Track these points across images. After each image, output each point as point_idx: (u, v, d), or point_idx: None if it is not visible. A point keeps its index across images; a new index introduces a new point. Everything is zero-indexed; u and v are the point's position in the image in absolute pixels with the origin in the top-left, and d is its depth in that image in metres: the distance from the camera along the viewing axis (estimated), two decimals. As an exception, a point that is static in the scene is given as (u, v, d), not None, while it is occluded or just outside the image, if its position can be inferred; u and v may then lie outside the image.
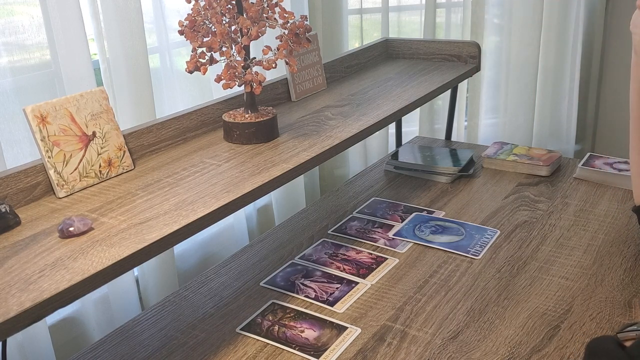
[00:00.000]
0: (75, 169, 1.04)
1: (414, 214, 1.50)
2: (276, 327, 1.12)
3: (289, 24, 1.16)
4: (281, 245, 1.41)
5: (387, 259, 1.32)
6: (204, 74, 1.17)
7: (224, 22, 1.14)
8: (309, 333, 1.09)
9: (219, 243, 1.84)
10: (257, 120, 1.22)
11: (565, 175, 1.66)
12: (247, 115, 1.23)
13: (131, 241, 0.86)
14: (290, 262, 1.33)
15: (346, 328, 1.10)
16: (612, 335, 0.79)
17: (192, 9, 1.15)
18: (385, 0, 2.21)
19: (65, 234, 0.88)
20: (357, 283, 1.24)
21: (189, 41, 1.15)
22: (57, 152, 1.02)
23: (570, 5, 2.43)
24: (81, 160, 1.05)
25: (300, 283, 1.25)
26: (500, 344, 1.04)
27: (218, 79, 1.17)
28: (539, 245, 1.33)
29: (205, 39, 1.15)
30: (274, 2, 1.16)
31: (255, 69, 1.18)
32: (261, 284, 1.26)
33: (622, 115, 2.67)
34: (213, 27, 1.14)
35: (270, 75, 1.40)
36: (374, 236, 1.41)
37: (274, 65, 1.17)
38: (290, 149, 1.18)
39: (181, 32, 1.16)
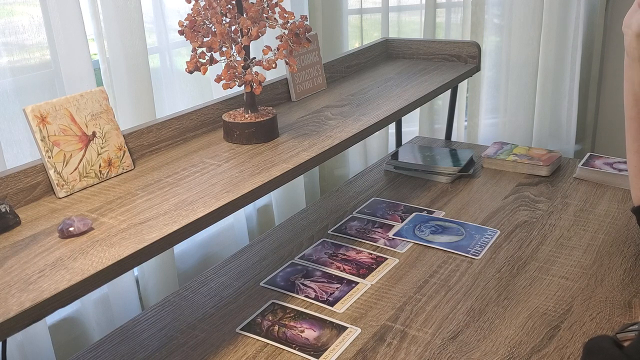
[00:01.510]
0: (75, 169, 1.04)
1: (414, 214, 1.50)
2: (276, 327, 1.12)
3: (289, 24, 1.16)
4: (281, 245, 1.41)
5: (387, 259, 1.32)
6: (204, 74, 1.17)
7: (224, 22, 1.14)
8: (309, 333, 1.09)
9: (219, 243, 1.84)
10: (257, 120, 1.22)
11: (565, 175, 1.66)
12: (247, 115, 1.23)
13: (131, 241, 0.86)
14: (290, 262, 1.33)
15: (346, 328, 1.10)
16: (609, 335, 0.79)
17: (192, 9, 1.15)
18: (385, 0, 2.21)
19: (65, 234, 0.88)
20: (357, 283, 1.24)
21: (189, 41, 1.15)
22: (57, 152, 1.02)
23: (570, 5, 2.43)
24: (81, 160, 1.05)
25: (300, 283, 1.25)
26: (500, 344, 1.04)
27: (218, 79, 1.17)
28: (539, 245, 1.33)
29: (205, 39, 1.15)
30: (274, 2, 1.16)
31: (255, 69, 1.18)
32: (261, 284, 1.26)
33: (622, 115, 2.66)
34: (213, 27, 1.14)
35: (270, 75, 1.40)
36: (374, 236, 1.41)
37: (274, 65, 1.17)
38: (290, 149, 1.18)
39: (181, 32, 1.16)
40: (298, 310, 1.16)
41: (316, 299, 1.19)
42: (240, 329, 1.12)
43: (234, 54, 1.15)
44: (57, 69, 1.36)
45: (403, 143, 2.05)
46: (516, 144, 1.82)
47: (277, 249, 1.39)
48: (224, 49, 1.15)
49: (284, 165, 1.11)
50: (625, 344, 0.74)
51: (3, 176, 0.98)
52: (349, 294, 1.20)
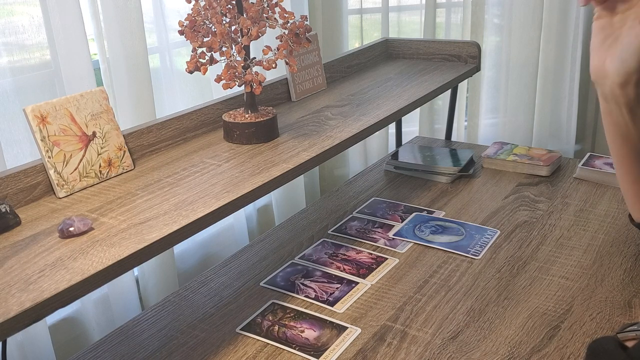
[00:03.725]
0: (75, 169, 1.04)
1: (414, 214, 1.50)
2: (276, 327, 1.12)
3: (289, 24, 1.16)
4: (281, 245, 1.41)
5: (387, 259, 1.31)
6: (204, 74, 1.17)
7: (224, 22, 1.14)
8: (309, 333, 1.09)
9: (219, 243, 1.84)
10: (257, 120, 1.22)
11: (565, 175, 1.66)
12: (247, 115, 1.23)
13: (131, 241, 0.86)
14: (290, 262, 1.33)
15: (346, 328, 1.10)
16: (613, 336, 0.79)
17: (192, 9, 1.15)
18: (385, 0, 2.21)
19: (65, 234, 0.88)
20: (357, 283, 1.24)
21: (189, 41, 1.15)
22: (57, 152, 1.02)
23: (570, 5, 2.43)
24: (81, 160, 1.05)
25: (300, 283, 1.25)
26: (500, 344, 1.04)
27: (218, 79, 1.17)
28: (539, 245, 1.33)
29: (205, 39, 1.15)
30: (274, 2, 1.16)
31: (255, 69, 1.18)
32: (261, 284, 1.26)
33: (622, 115, 2.66)
34: (213, 27, 1.14)
35: (270, 75, 1.40)
36: (374, 236, 1.41)
37: (274, 65, 1.17)
38: (290, 149, 1.18)
39: (181, 32, 1.16)
40: (298, 310, 1.16)
41: (316, 299, 1.19)
42: (240, 329, 1.12)
43: (234, 54, 1.15)
44: (57, 69, 1.36)
45: (403, 143, 2.05)
46: (516, 144, 1.81)
47: (277, 249, 1.39)
48: (224, 49, 1.15)
49: (284, 165, 1.11)
50: (627, 344, 0.74)
51: (3, 176, 0.98)
52: (349, 294, 1.20)
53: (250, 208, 1.98)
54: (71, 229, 0.88)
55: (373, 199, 1.61)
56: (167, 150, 1.22)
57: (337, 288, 1.22)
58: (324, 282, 1.24)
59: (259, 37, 1.15)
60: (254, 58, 1.18)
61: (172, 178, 1.08)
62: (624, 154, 0.85)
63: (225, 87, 1.17)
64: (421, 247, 1.35)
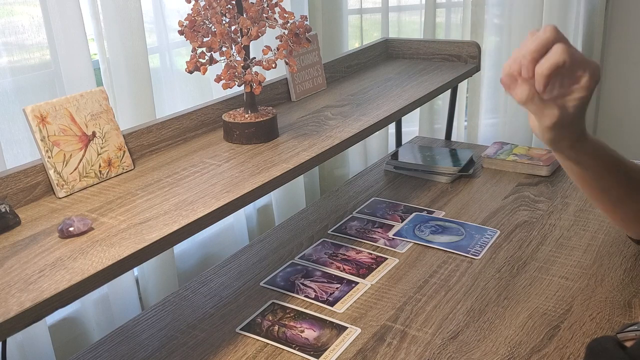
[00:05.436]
0: (75, 169, 1.04)
1: (414, 214, 1.50)
2: (276, 327, 1.12)
3: (289, 24, 1.16)
4: (281, 245, 1.41)
5: (387, 259, 1.31)
6: (204, 74, 1.17)
7: (224, 22, 1.14)
8: (309, 333, 1.09)
9: (219, 243, 1.84)
10: (257, 120, 1.22)
11: (565, 175, 1.66)
12: (247, 115, 1.23)
13: (131, 241, 0.86)
14: (290, 262, 1.33)
15: (346, 328, 1.10)
16: (612, 336, 0.79)
17: (192, 9, 1.15)
18: (385, 0, 2.21)
19: (65, 234, 0.88)
20: (357, 283, 1.24)
21: (189, 41, 1.15)
22: (57, 152, 1.02)
23: (570, 5, 2.43)
24: (81, 160, 1.05)
25: (300, 283, 1.25)
26: (500, 344, 1.04)
27: (218, 79, 1.17)
28: (539, 245, 1.33)
29: (205, 39, 1.15)
30: (274, 2, 1.16)
31: (255, 69, 1.18)
32: (261, 284, 1.26)
33: (622, 115, 2.68)
34: (213, 27, 1.14)
35: (270, 75, 1.40)
36: (374, 236, 1.41)
37: (273, 65, 1.17)
38: (290, 149, 1.18)
39: (181, 32, 1.16)
40: (298, 310, 1.16)
41: (316, 299, 1.19)
42: (240, 329, 1.12)
43: (234, 54, 1.15)
44: (57, 69, 1.36)
45: (403, 143, 2.05)
46: (516, 144, 1.81)
47: (277, 249, 1.39)
48: (223, 49, 1.15)
49: (284, 165, 1.11)
50: (626, 344, 0.74)
51: (3, 176, 0.98)
52: (349, 294, 1.20)
53: (250, 208, 1.98)
54: (71, 229, 0.88)
55: (373, 199, 1.61)
56: (167, 150, 1.22)
57: (337, 288, 1.22)
58: (324, 282, 1.24)
59: (259, 37, 1.15)
60: (254, 58, 1.18)
61: (172, 178, 1.08)
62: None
63: (225, 87, 1.17)
64: (421, 247, 1.35)
